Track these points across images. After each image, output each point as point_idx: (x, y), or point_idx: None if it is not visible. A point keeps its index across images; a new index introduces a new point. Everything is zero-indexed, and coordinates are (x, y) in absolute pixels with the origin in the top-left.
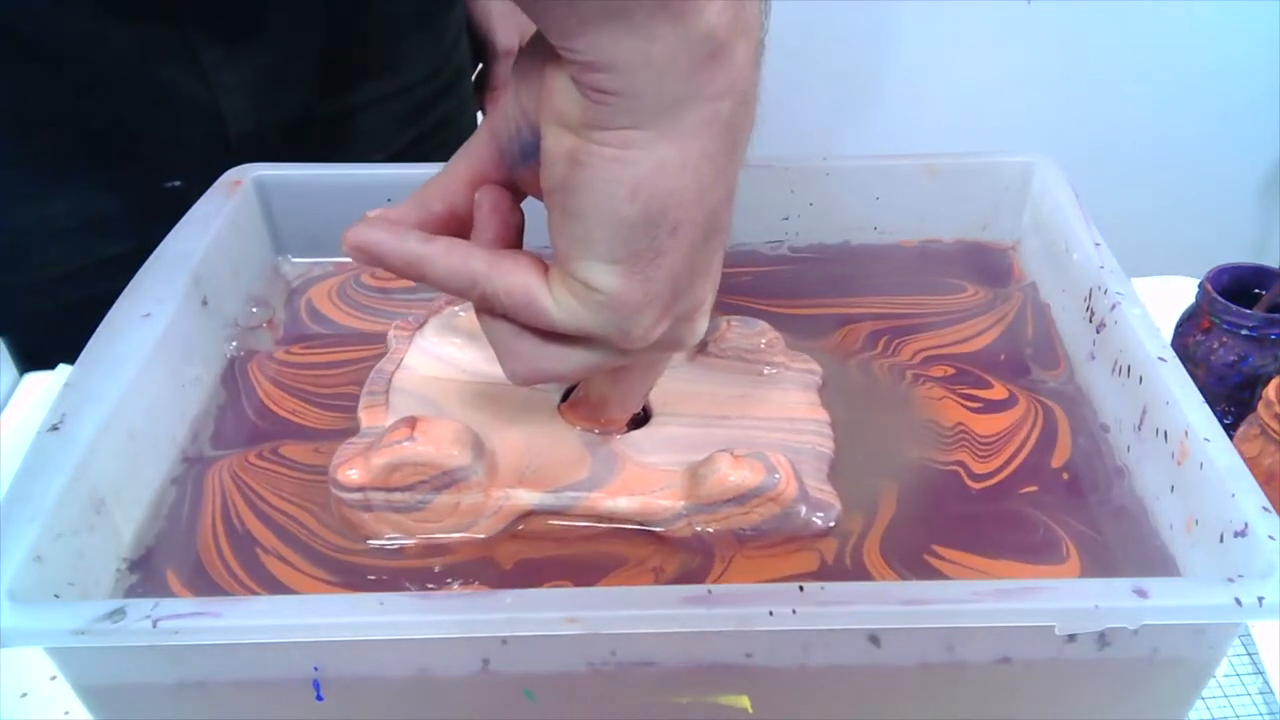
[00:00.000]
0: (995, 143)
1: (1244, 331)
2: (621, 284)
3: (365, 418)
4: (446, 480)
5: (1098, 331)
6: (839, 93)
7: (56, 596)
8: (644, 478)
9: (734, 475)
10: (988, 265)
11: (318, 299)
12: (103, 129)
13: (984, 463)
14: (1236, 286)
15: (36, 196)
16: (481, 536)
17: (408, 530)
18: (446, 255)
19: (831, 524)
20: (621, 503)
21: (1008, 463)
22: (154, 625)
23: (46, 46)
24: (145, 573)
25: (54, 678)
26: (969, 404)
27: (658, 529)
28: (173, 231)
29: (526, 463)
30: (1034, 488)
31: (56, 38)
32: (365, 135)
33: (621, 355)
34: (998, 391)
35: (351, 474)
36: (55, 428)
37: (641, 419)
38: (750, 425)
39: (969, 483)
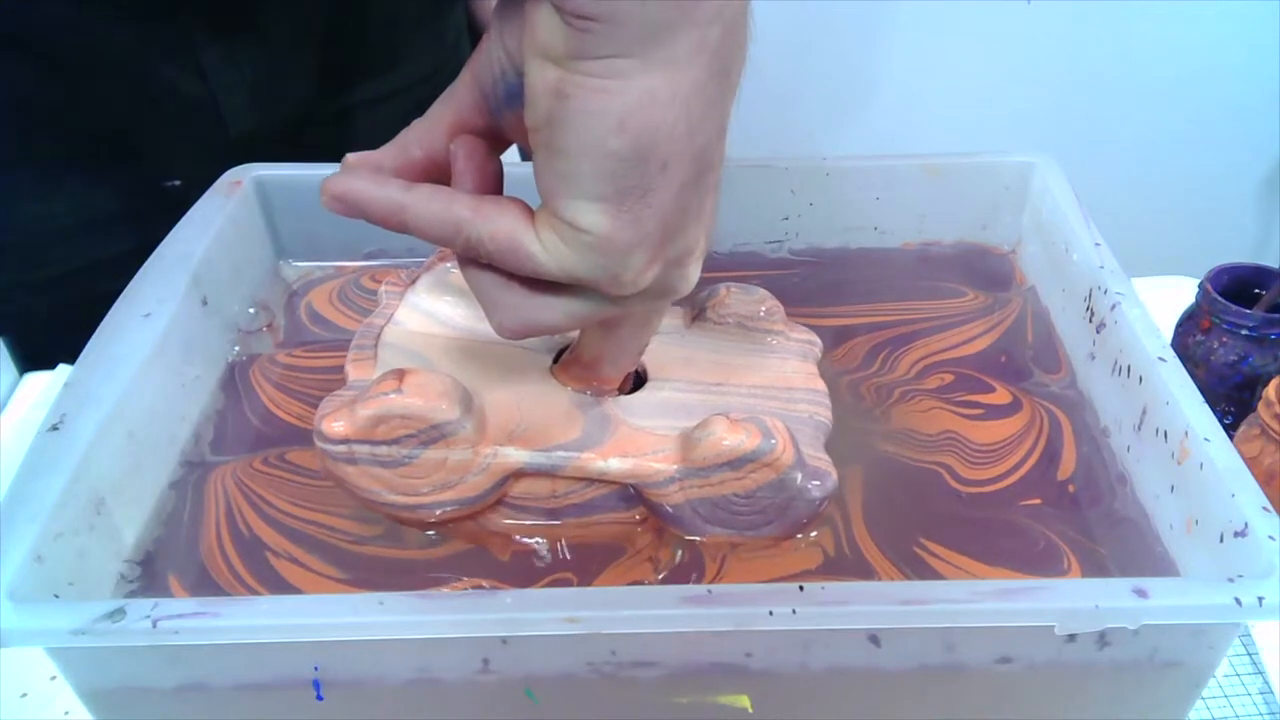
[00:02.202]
0: (995, 143)
1: (1244, 331)
2: (610, 223)
3: (353, 371)
4: (434, 435)
5: (1098, 332)
6: (839, 92)
7: (56, 596)
8: (637, 440)
9: (729, 439)
10: (988, 270)
11: (318, 302)
12: (102, 128)
13: (976, 469)
14: (1236, 286)
15: (36, 196)
16: (469, 495)
17: (392, 486)
18: (429, 201)
19: (827, 492)
20: (613, 464)
21: (1010, 472)
22: (154, 625)
23: (46, 45)
24: (146, 575)
25: (54, 678)
26: (966, 411)
27: (650, 493)
28: (173, 231)
29: (516, 421)
30: (1037, 500)
31: (57, 37)
32: (365, 135)
33: (612, 304)
34: (1000, 395)
35: (336, 425)
36: (55, 428)
37: (636, 384)
38: (746, 393)
39: (954, 484)
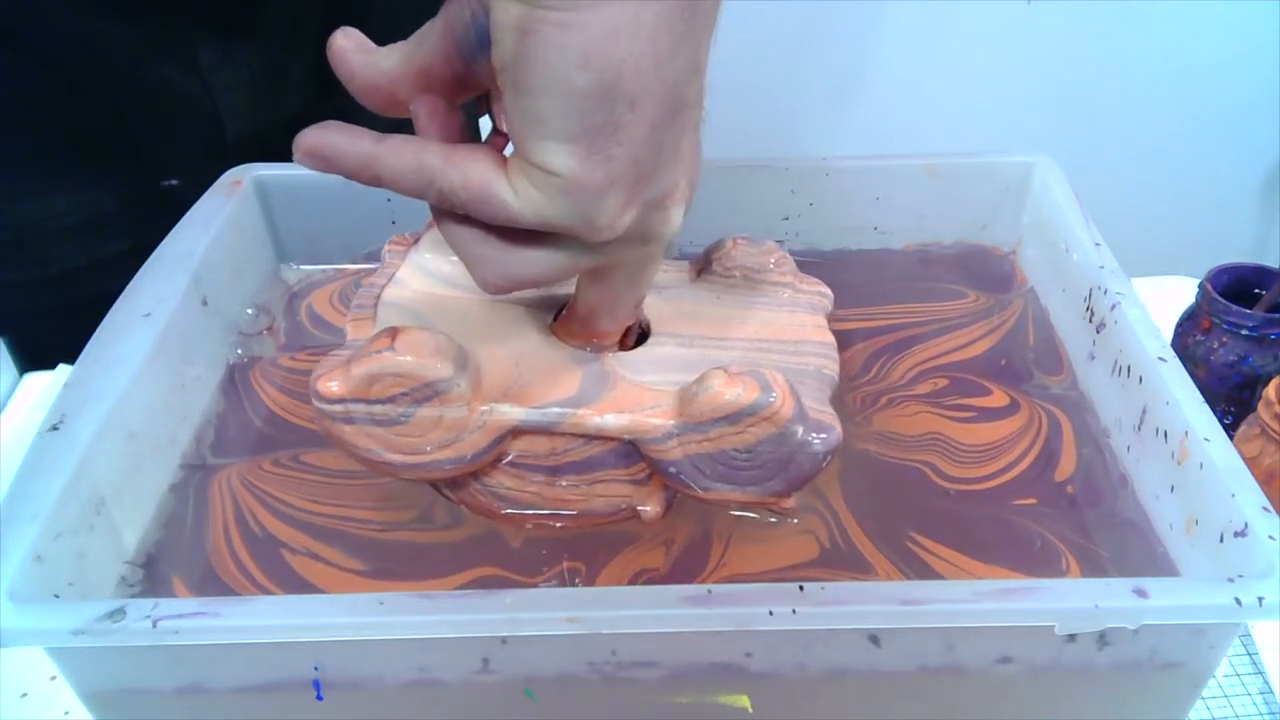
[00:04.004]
0: (995, 143)
1: (1244, 331)
2: (580, 165)
3: (351, 330)
4: (428, 392)
5: (1098, 332)
6: (839, 92)
7: (56, 596)
8: (635, 396)
9: (728, 393)
10: (989, 270)
11: (318, 304)
12: (100, 128)
13: (962, 468)
14: (1236, 286)
15: (34, 195)
16: (467, 453)
17: (390, 445)
18: (400, 151)
19: (830, 446)
20: (609, 420)
21: (1002, 472)
22: (154, 625)
23: (44, 45)
24: (148, 577)
25: (54, 678)
26: (954, 415)
27: (649, 449)
28: (173, 231)
29: (513, 378)
30: (1033, 500)
31: (54, 36)
32: None
33: (593, 253)
34: (997, 399)
35: (332, 385)
36: (55, 428)
37: (639, 341)
38: (751, 347)
39: (939, 481)
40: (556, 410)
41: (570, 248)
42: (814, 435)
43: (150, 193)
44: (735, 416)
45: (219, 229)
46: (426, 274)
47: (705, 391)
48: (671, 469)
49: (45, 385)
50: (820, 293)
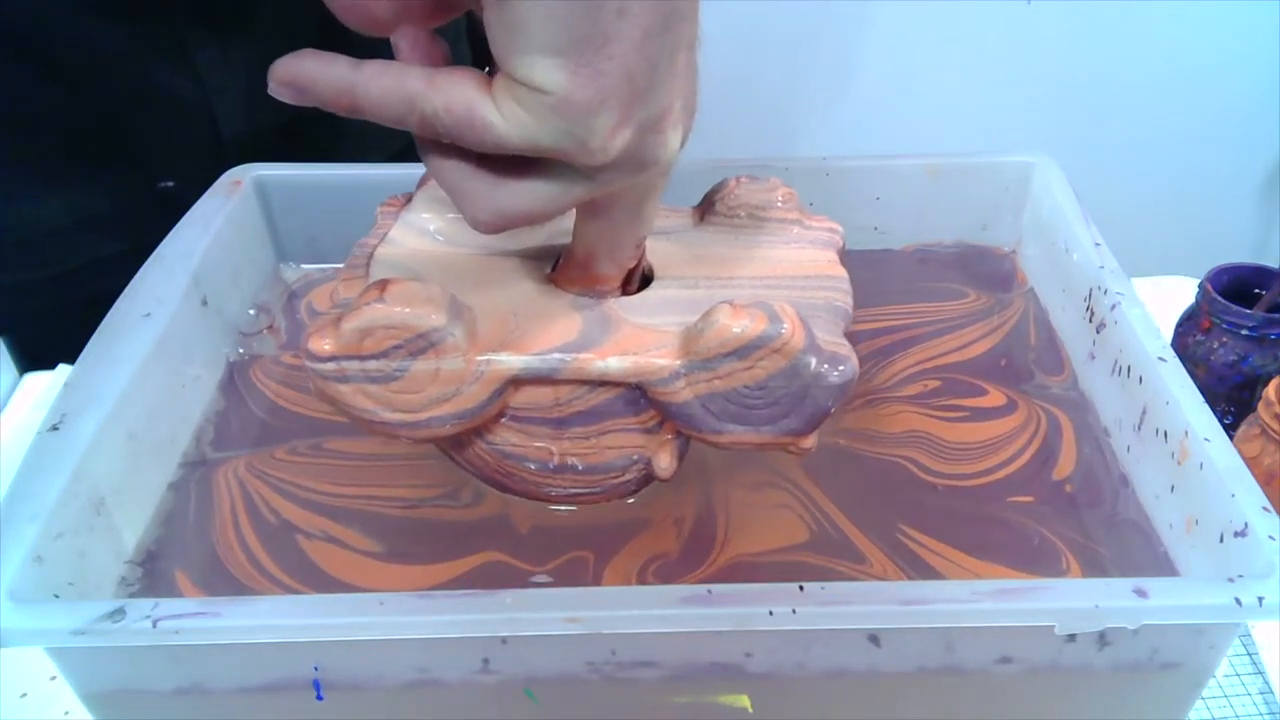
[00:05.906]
0: (995, 143)
1: (1244, 331)
2: (568, 79)
3: (343, 290)
4: (422, 344)
5: (1098, 331)
6: (838, 92)
7: (56, 596)
8: (638, 338)
9: (735, 325)
10: (989, 270)
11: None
12: (95, 129)
13: (950, 464)
14: (1236, 286)
15: (31, 196)
16: (467, 407)
17: (387, 403)
18: (379, 76)
19: (847, 378)
20: (613, 363)
21: (995, 469)
22: (154, 625)
23: (39, 46)
24: (149, 575)
25: (54, 678)
26: (942, 414)
27: (655, 392)
28: (173, 231)
29: (511, 327)
30: (1029, 498)
31: (49, 37)
32: (361, 137)
33: (588, 181)
34: (994, 399)
35: (324, 344)
36: (55, 428)
37: (642, 286)
38: (758, 284)
39: (924, 476)
40: (557, 356)
41: (563, 177)
42: (828, 367)
43: (146, 194)
44: (744, 350)
45: (219, 229)
46: (419, 232)
47: (711, 326)
48: (681, 412)
49: (45, 385)
50: (830, 228)
